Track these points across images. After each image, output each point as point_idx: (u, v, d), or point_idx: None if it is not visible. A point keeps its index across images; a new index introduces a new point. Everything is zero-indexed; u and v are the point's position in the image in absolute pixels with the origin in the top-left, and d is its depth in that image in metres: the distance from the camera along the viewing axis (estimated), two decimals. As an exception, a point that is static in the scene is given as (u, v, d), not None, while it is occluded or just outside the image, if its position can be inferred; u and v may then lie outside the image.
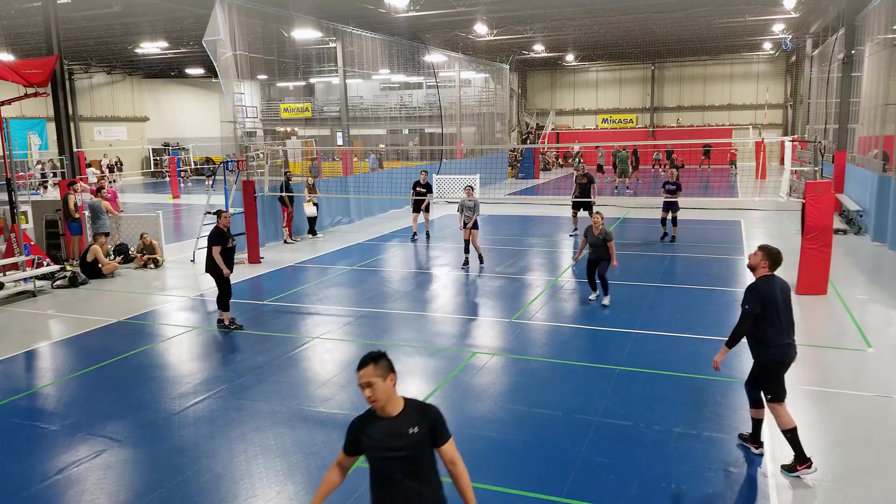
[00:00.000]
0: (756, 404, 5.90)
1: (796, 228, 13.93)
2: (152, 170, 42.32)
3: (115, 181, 36.42)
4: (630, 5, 24.94)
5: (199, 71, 39.61)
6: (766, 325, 5.61)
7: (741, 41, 36.03)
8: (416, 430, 3.34)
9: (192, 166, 41.68)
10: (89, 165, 35.33)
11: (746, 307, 5.64)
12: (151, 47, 29.88)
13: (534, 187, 31.28)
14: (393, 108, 37.87)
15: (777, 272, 6.00)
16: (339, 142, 31.04)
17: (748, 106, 43.03)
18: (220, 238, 9.74)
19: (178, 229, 20.65)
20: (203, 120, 45.43)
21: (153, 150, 43.07)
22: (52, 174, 30.25)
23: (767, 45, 37.37)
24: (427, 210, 17.53)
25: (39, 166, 31.09)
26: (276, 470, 5.88)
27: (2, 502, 5.48)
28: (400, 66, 28.96)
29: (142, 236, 14.92)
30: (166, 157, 39.86)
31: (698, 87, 44.28)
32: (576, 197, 17.25)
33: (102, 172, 35.38)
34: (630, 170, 28.58)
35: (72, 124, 17.00)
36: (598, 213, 10.97)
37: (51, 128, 21.43)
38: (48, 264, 13.07)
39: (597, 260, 10.74)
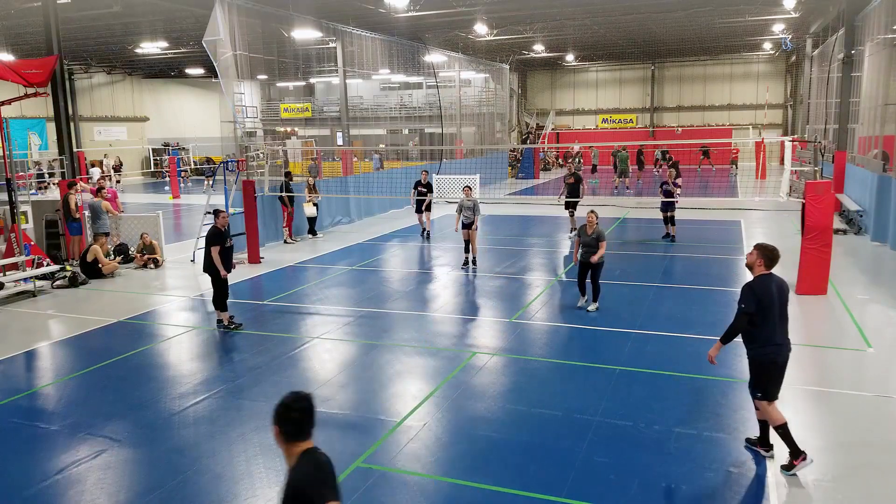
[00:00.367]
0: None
1: (796, 228, 13.93)
2: (152, 170, 42.31)
3: (119, 181, 36.50)
4: (630, 5, 24.93)
5: (199, 71, 39.61)
6: (762, 323, 5.61)
7: (741, 41, 36.02)
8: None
9: (192, 166, 41.66)
10: (92, 165, 35.36)
11: (742, 306, 5.65)
12: (151, 47, 29.87)
13: (534, 187, 31.27)
14: (393, 108, 37.87)
15: (777, 272, 5.98)
16: (339, 142, 31.04)
17: (748, 106, 43.03)
18: (218, 238, 9.75)
19: (178, 229, 20.65)
20: (203, 120, 45.44)
21: (153, 150, 43.07)
22: (48, 174, 30.28)
23: (767, 45, 37.36)
24: (428, 209, 17.76)
25: (36, 167, 31.07)
26: (276, 470, 5.87)
27: (2, 502, 5.48)
28: (400, 66, 28.96)
29: (142, 236, 14.93)
30: (166, 157, 39.87)
31: (698, 87, 44.27)
32: (566, 197, 17.30)
33: (105, 173, 35.43)
34: (630, 170, 28.59)
35: (72, 124, 17.00)
36: (592, 211, 10.65)
37: (51, 128, 21.46)
38: (48, 264, 13.07)
39: (590, 263, 10.35)
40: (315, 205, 17.93)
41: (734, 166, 35.27)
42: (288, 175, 17.95)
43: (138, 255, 14.73)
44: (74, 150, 17.01)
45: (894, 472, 5.68)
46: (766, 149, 32.64)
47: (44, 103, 19.81)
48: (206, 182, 34.30)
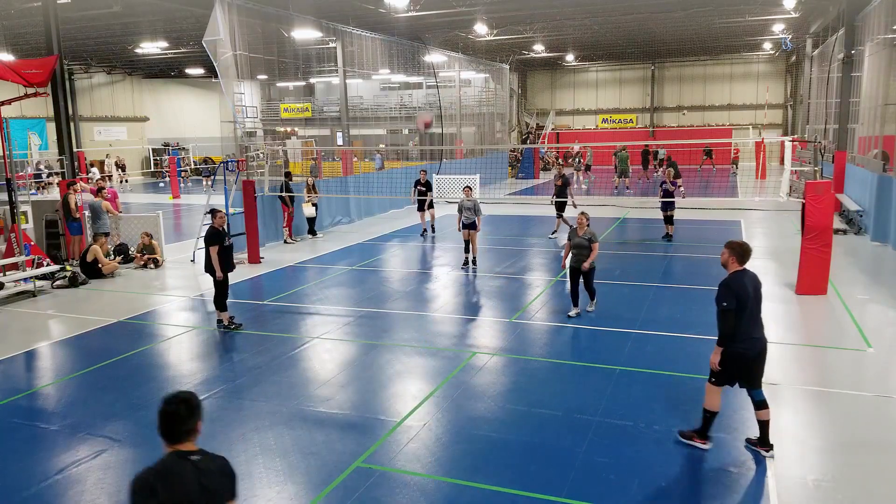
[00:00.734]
0: (759, 406, 5.90)
1: (796, 228, 13.93)
2: (152, 170, 42.30)
3: (125, 181, 36.53)
4: (630, 5, 24.93)
5: (199, 71, 39.61)
6: (740, 319, 5.69)
7: (741, 41, 36.02)
8: None
9: (192, 166, 41.66)
10: (91, 165, 35.37)
11: (724, 304, 5.70)
12: (151, 47, 29.87)
13: (534, 187, 31.27)
14: (393, 108, 37.87)
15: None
16: (339, 142, 31.04)
17: (748, 106, 43.03)
18: (216, 237, 9.76)
19: (178, 229, 20.65)
20: (203, 120, 45.44)
21: (153, 150, 43.08)
22: (45, 174, 30.27)
23: (767, 45, 37.35)
24: (430, 207, 18.00)
25: (44, 165, 31.07)
26: (276, 470, 5.88)
27: (2, 502, 5.48)
28: (400, 66, 28.96)
29: (142, 236, 14.92)
30: (166, 157, 39.88)
31: (698, 87, 44.27)
32: (555, 198, 17.35)
33: (107, 172, 35.46)
34: (630, 170, 28.58)
35: (72, 124, 16.99)
36: (582, 213, 10.24)
37: (51, 128, 21.40)
38: (48, 264, 13.07)
39: (580, 269, 9.97)
40: (314, 205, 17.93)
41: (734, 166, 35.30)
42: (288, 175, 17.97)
43: (138, 255, 14.73)
44: (74, 150, 17.00)
45: (894, 472, 5.68)
46: (766, 149, 32.64)
47: (44, 103, 19.76)
48: (204, 182, 34.33)
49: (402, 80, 35.76)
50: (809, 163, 21.64)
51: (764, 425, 5.91)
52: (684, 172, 23.76)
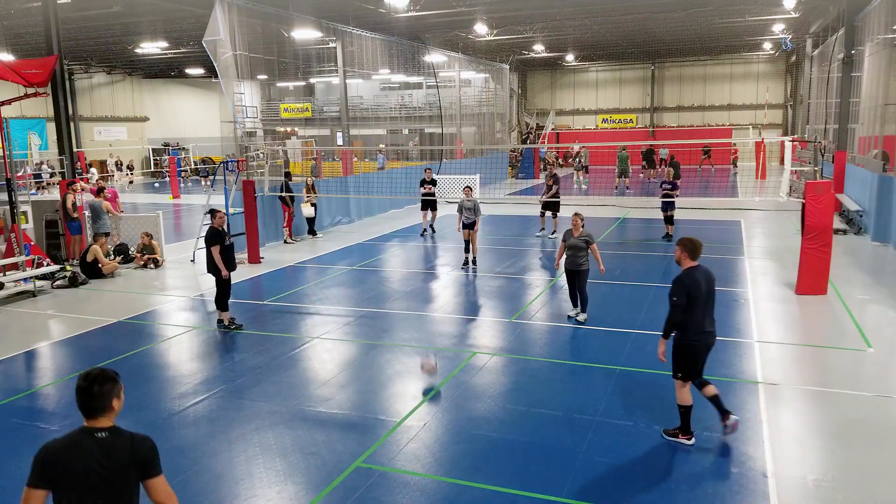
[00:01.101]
0: (703, 385, 6.21)
1: (796, 228, 13.93)
2: (152, 170, 42.31)
3: (131, 182, 36.56)
4: (630, 5, 24.93)
5: (199, 71, 39.61)
6: (692, 312, 5.92)
7: (741, 41, 36.03)
8: None
9: (192, 166, 41.67)
10: (91, 165, 35.37)
11: (674, 299, 5.92)
12: (151, 47, 29.87)
13: (534, 187, 31.26)
14: (393, 108, 37.87)
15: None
16: (339, 142, 31.04)
17: (748, 106, 43.03)
18: (217, 237, 9.76)
19: (178, 229, 20.65)
20: (203, 120, 45.45)
21: (153, 150, 43.08)
22: (48, 174, 30.27)
23: (767, 45, 37.36)
24: (434, 208, 18.11)
25: (31, 168, 31.05)
26: (276, 470, 5.88)
27: (2, 502, 5.48)
28: (400, 66, 28.97)
29: (142, 236, 14.92)
30: (166, 157, 39.88)
31: (698, 87, 44.27)
32: (547, 198, 17.38)
33: (109, 172, 35.50)
34: (630, 170, 28.59)
35: (72, 124, 17.00)
36: (577, 213, 9.99)
37: (51, 128, 21.43)
38: (48, 264, 13.07)
39: (574, 270, 9.78)
40: (313, 205, 17.94)
41: (734, 166, 35.34)
42: (287, 175, 17.97)
43: (138, 255, 14.73)
44: (74, 150, 17.00)
45: (894, 472, 5.68)
46: (766, 149, 32.65)
47: (44, 103, 19.79)
48: (203, 182, 34.34)
49: (402, 80, 35.77)
50: (809, 163, 21.64)
51: (715, 398, 6.17)
52: (685, 172, 23.79)
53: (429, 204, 17.89)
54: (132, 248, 15.10)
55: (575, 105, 47.32)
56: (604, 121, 46.28)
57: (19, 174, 16.71)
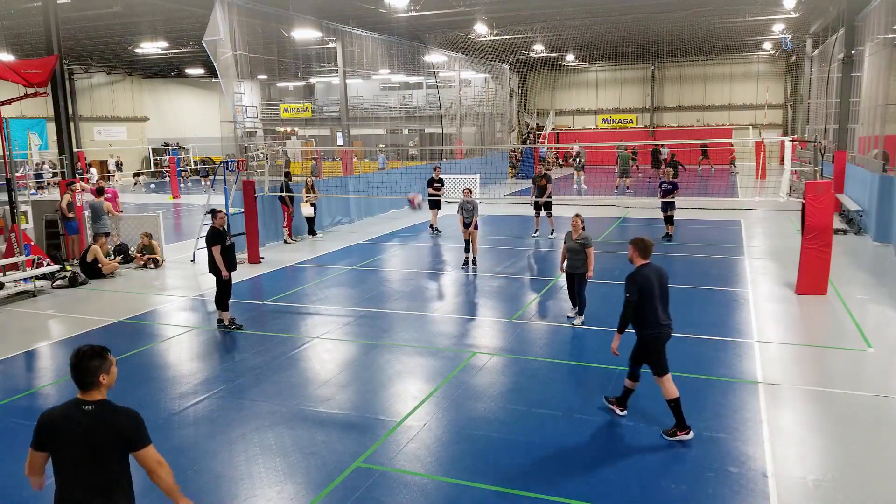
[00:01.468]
0: (632, 378, 6.60)
1: (796, 228, 13.93)
2: (152, 170, 42.31)
3: (137, 183, 36.54)
4: (630, 5, 24.93)
5: (199, 71, 39.61)
6: (645, 308, 6.23)
7: (741, 41, 36.03)
8: None
9: (192, 166, 41.67)
10: (90, 166, 35.35)
11: (627, 295, 6.25)
12: (151, 47, 29.88)
13: (531, 188, 31.22)
14: (393, 108, 37.88)
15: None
16: (339, 142, 31.04)
17: (748, 106, 43.03)
18: (217, 237, 9.77)
19: (177, 229, 20.65)
20: (203, 120, 45.44)
21: (153, 150, 43.08)
22: (49, 174, 30.27)
23: (767, 45, 37.36)
24: (438, 207, 18.34)
25: (31, 168, 31.06)
26: (276, 470, 5.88)
27: (2, 502, 5.48)
28: (400, 66, 28.97)
29: (142, 236, 14.92)
30: (166, 157, 39.87)
31: (698, 87, 44.28)
32: (536, 197, 17.36)
33: (111, 172, 35.48)
34: (631, 170, 28.58)
35: (72, 124, 17.00)
36: (577, 215, 9.83)
37: (51, 128, 21.42)
38: (48, 264, 13.07)
39: (573, 273, 9.72)
40: (313, 205, 17.94)
41: (733, 166, 35.33)
42: (287, 175, 17.97)
43: (138, 255, 14.73)
44: (74, 150, 17.00)
45: (894, 472, 5.68)
46: (766, 149, 32.65)
47: (44, 103, 19.78)
48: (203, 182, 34.31)
49: (402, 80, 35.77)
50: (809, 163, 21.65)
51: (627, 392, 6.70)
52: (684, 172, 23.79)
53: (435, 203, 18.01)
54: (132, 248, 15.10)
55: (575, 105, 47.32)
56: (604, 121, 46.29)
57: (19, 174, 16.70)
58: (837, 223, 16.67)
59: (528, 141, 44.40)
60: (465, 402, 7.23)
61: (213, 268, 9.82)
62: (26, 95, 12.89)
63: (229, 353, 9.12)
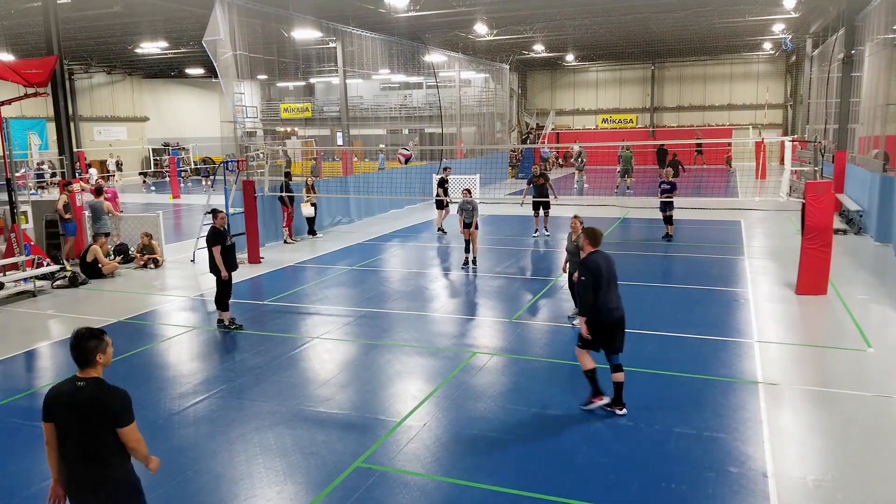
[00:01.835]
0: (615, 370, 6.81)
1: (796, 228, 13.93)
2: (152, 170, 42.32)
3: (144, 182, 36.49)
4: (630, 5, 24.93)
5: (199, 71, 39.61)
6: (598, 291, 6.58)
7: (741, 41, 36.02)
8: None
9: (192, 166, 41.67)
10: (90, 166, 35.34)
11: (583, 279, 6.63)
12: (151, 47, 29.87)
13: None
14: (393, 108, 37.88)
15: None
16: (339, 142, 31.04)
17: (748, 106, 43.02)
18: (218, 237, 9.77)
19: (177, 229, 20.65)
20: (203, 120, 45.43)
21: (153, 150, 43.07)
22: (49, 173, 30.26)
23: (767, 45, 37.35)
24: (446, 207, 18.39)
25: (32, 168, 31.04)
26: (276, 470, 5.88)
27: (3, 502, 5.48)
28: (400, 66, 28.96)
29: (142, 236, 14.91)
30: (166, 157, 39.86)
31: (698, 87, 44.26)
32: (533, 198, 17.35)
33: (112, 172, 35.45)
34: (632, 169, 28.54)
35: (72, 124, 17.00)
36: (575, 216, 9.70)
37: (51, 128, 21.40)
38: (48, 264, 13.07)
39: (572, 274, 9.53)
40: (313, 205, 17.94)
41: (728, 165, 35.36)
42: (288, 175, 17.97)
43: (138, 255, 14.73)
44: (74, 150, 17.00)
45: (894, 473, 5.68)
46: (766, 149, 32.65)
47: (44, 103, 19.77)
48: (203, 182, 34.30)
49: (402, 80, 35.76)
50: (809, 163, 21.65)
51: (618, 386, 6.80)
52: (684, 173, 23.77)
53: (441, 203, 18.14)
54: (132, 248, 15.10)
55: (575, 105, 47.31)
56: (604, 121, 46.27)
57: (19, 174, 16.70)
58: (837, 223, 16.66)
59: (528, 141, 44.38)
60: (465, 402, 7.23)
61: (213, 268, 9.83)
62: (26, 95, 12.89)
63: (229, 353, 9.12)
